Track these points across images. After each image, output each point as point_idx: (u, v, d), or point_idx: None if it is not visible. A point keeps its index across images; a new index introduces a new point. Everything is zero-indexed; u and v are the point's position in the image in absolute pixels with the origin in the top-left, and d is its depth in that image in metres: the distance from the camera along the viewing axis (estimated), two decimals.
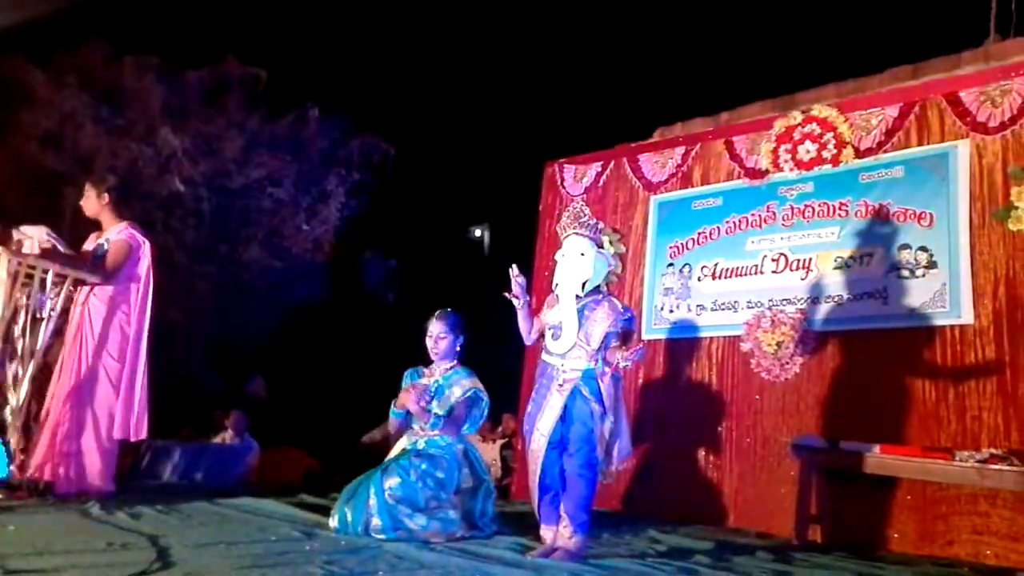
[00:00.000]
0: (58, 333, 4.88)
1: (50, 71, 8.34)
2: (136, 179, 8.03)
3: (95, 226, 5.04)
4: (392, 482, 3.74)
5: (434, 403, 3.99)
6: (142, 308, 4.66)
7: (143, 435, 4.61)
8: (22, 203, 8.16)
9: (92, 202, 4.79)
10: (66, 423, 4.44)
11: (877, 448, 4.30)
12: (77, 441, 4.44)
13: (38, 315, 4.47)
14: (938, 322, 4.61)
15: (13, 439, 4.30)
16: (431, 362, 4.17)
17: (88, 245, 4.87)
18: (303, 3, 10.84)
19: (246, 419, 7.28)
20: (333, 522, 3.74)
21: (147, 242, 4.76)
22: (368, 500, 3.69)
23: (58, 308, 4.52)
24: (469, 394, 4.01)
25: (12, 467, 4.12)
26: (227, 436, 7.19)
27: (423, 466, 3.84)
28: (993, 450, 4.07)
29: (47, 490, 4.24)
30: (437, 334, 4.07)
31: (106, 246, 4.74)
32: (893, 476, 4.36)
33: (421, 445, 3.99)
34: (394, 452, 4.10)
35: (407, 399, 3.97)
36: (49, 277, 4.43)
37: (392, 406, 4.10)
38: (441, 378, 4.08)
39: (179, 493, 4.62)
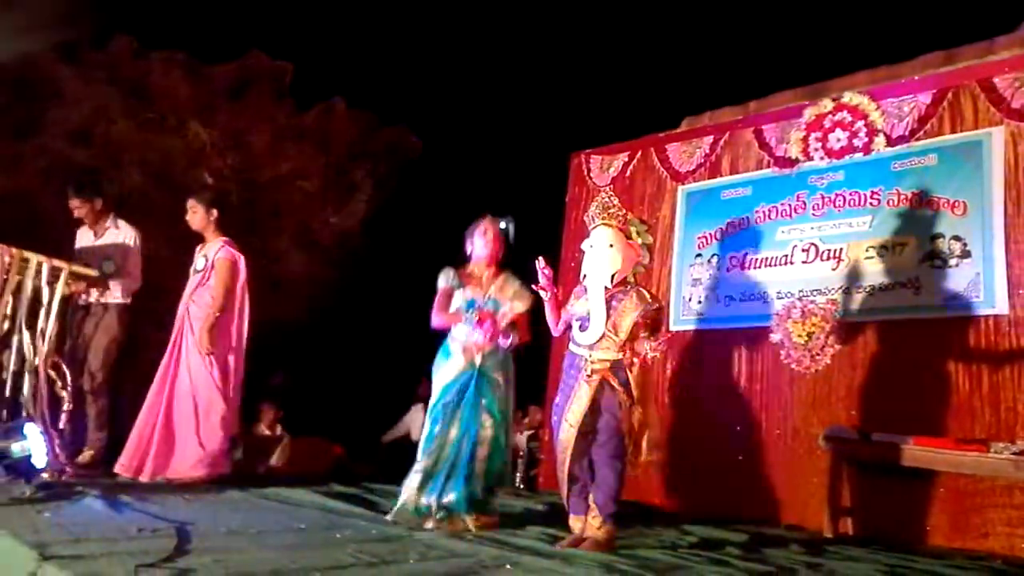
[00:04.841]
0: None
1: (79, 67, 8.43)
2: (168, 173, 8.11)
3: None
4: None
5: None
6: (240, 318, 4.96)
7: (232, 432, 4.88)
8: (54, 198, 8.26)
9: (200, 217, 5.06)
10: (159, 421, 4.72)
11: (910, 440, 4.26)
12: (165, 437, 4.71)
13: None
14: (972, 312, 4.55)
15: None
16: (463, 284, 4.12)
17: (197, 262, 5.09)
18: None
19: (277, 411, 7.40)
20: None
21: (243, 257, 5.04)
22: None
23: (57, 298, 4.56)
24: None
25: (49, 456, 4.18)
26: (260, 427, 7.30)
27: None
28: None
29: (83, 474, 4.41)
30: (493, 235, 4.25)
31: (204, 262, 4.99)
32: (926, 468, 4.31)
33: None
34: (449, 375, 3.97)
35: (477, 345, 3.90)
36: (45, 268, 4.52)
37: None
38: (491, 287, 4.07)
39: (210, 482, 4.67)
